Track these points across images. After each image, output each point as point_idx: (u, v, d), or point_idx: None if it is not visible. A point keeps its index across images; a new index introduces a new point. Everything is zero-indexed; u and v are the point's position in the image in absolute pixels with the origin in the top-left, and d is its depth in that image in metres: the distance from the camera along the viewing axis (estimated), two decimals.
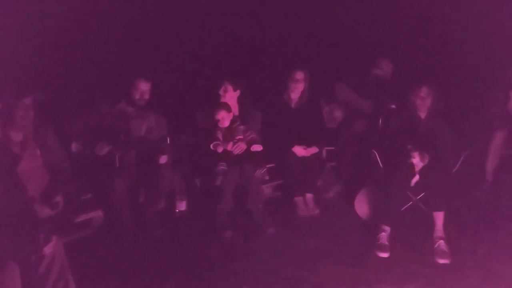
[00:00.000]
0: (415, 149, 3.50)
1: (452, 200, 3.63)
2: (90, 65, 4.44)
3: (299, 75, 4.18)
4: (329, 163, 4.54)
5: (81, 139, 3.53)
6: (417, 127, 3.73)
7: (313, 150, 4.12)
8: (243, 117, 4.04)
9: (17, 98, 2.72)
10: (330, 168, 4.52)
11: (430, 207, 3.54)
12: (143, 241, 3.43)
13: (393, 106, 4.28)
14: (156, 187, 3.53)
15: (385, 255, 3.29)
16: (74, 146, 3.55)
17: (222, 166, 3.73)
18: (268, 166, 4.08)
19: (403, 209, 3.64)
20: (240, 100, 4.08)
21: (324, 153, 4.45)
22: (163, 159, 3.58)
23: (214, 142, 3.79)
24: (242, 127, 3.92)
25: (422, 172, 3.52)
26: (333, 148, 4.56)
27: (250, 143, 3.87)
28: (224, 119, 3.84)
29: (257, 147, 3.87)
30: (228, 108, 3.87)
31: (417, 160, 3.49)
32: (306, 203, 4.10)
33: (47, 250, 2.35)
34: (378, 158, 3.82)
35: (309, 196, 4.12)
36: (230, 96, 4.00)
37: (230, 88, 3.99)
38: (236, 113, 4.03)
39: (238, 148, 3.82)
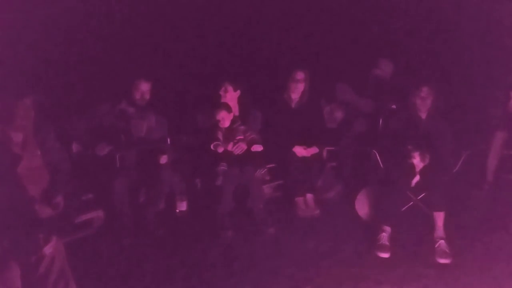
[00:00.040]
0: (416, 149, 3.49)
1: (453, 200, 3.62)
2: (90, 66, 4.45)
3: (300, 75, 4.18)
4: (330, 163, 4.53)
5: (81, 139, 3.55)
6: (417, 128, 3.73)
7: (314, 150, 4.11)
8: (244, 117, 4.04)
9: (17, 98, 2.72)
10: (331, 168, 4.51)
11: (431, 207, 3.54)
12: (144, 241, 3.43)
13: (394, 106, 4.28)
14: (157, 187, 3.54)
15: (385, 255, 3.29)
16: (75, 146, 3.56)
17: (223, 166, 3.73)
18: (268, 166, 4.08)
19: (403, 209, 3.64)
20: (240, 101, 4.08)
21: (324, 153, 4.44)
22: (163, 159, 3.58)
23: (215, 143, 3.79)
24: (242, 127, 3.92)
25: (422, 172, 3.51)
26: (333, 148, 4.55)
27: (250, 144, 3.87)
28: (225, 119, 3.84)
29: (257, 148, 3.87)
30: (228, 109, 3.87)
31: (417, 160, 3.49)
32: (306, 203, 4.10)
33: (47, 250, 2.36)
34: (379, 158, 3.81)
35: (309, 196, 4.11)
36: (231, 96, 4.01)
37: (230, 88, 3.99)
38: (237, 113, 4.03)
39: (239, 148, 3.82)
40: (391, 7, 5.38)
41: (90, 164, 3.50)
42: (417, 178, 3.53)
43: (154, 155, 3.57)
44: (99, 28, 4.57)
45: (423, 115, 3.73)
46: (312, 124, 4.27)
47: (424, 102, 3.67)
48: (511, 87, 4.21)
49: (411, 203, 3.69)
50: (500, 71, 4.40)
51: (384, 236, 3.40)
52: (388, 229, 3.45)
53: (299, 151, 4.07)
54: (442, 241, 3.34)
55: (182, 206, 3.81)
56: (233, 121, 3.90)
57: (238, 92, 4.04)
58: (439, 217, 3.46)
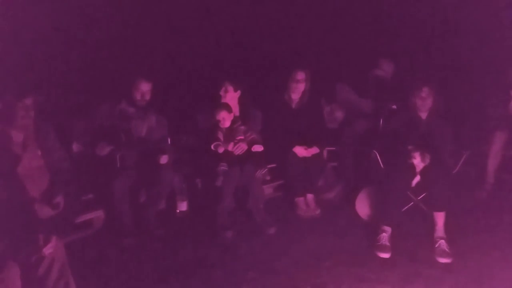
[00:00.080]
0: (416, 150, 3.49)
1: (453, 201, 3.62)
2: (91, 66, 4.46)
3: (300, 75, 4.18)
4: (330, 164, 4.54)
5: (82, 139, 3.54)
6: (418, 128, 3.73)
7: (314, 150, 4.11)
8: (244, 117, 4.03)
9: (18, 98, 2.72)
10: (331, 168, 4.52)
11: (431, 207, 3.54)
12: (144, 241, 3.43)
13: (394, 107, 4.28)
14: (157, 187, 3.53)
15: (386, 255, 3.28)
16: (75, 146, 3.55)
17: (223, 167, 3.73)
18: (269, 166, 4.08)
19: (404, 209, 3.64)
20: (240, 101, 4.08)
21: (325, 153, 4.45)
22: (163, 160, 3.57)
23: (215, 143, 3.79)
24: (243, 127, 3.92)
25: (423, 172, 3.51)
26: (334, 148, 4.56)
27: (251, 144, 3.87)
28: (225, 119, 3.84)
29: (258, 148, 3.87)
30: (228, 109, 3.87)
31: (418, 161, 3.48)
32: (307, 204, 4.10)
33: (47, 250, 2.35)
34: (379, 159, 3.81)
35: (310, 196, 4.12)
36: (231, 96, 4.01)
37: (230, 88, 3.99)
38: (237, 113, 4.03)
39: (239, 148, 3.82)
40: (391, 7, 5.39)
41: (91, 164, 3.50)
42: (417, 178, 3.53)
43: (155, 155, 3.57)
44: (100, 28, 4.57)
45: (424, 115, 3.73)
46: (312, 124, 4.28)
47: (424, 102, 3.67)
48: (511, 87, 4.22)
49: (412, 203, 3.69)
50: (500, 71, 4.40)
51: (385, 237, 3.40)
52: (388, 229, 3.45)
53: (300, 151, 4.07)
54: (442, 241, 3.34)
55: (183, 206, 3.80)
56: (233, 121, 3.90)
57: (239, 92, 4.04)
58: (440, 217, 3.46)
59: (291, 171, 4.07)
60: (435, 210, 3.48)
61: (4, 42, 3.67)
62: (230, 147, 3.81)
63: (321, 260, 3.22)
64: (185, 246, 3.43)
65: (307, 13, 5.58)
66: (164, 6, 5.00)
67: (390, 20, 5.44)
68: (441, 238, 3.37)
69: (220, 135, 3.84)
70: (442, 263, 3.20)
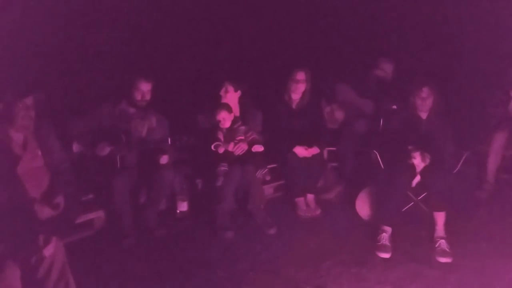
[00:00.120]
0: (416, 150, 3.50)
1: (453, 201, 3.62)
2: (91, 66, 4.45)
3: (300, 75, 4.18)
4: (330, 164, 4.54)
5: (82, 139, 3.53)
6: (418, 128, 3.73)
7: (314, 150, 4.11)
8: (244, 117, 4.04)
9: (18, 98, 2.71)
10: (331, 168, 4.52)
11: (431, 207, 3.54)
12: (145, 242, 3.43)
13: (394, 107, 4.27)
14: (157, 187, 3.53)
15: (386, 255, 3.29)
16: (75, 147, 3.55)
17: (223, 167, 3.73)
18: (269, 166, 4.08)
19: (404, 209, 3.64)
20: (241, 101, 4.09)
21: (325, 153, 4.45)
22: (164, 160, 3.58)
23: (215, 143, 3.80)
24: (243, 127, 3.92)
25: (423, 172, 3.52)
26: (334, 148, 4.56)
27: (251, 144, 3.87)
28: (225, 119, 3.84)
29: (258, 148, 3.87)
30: (229, 109, 3.87)
31: (418, 161, 3.49)
32: (307, 204, 4.10)
33: (47, 251, 2.35)
34: (379, 159, 3.81)
35: (310, 196, 4.12)
36: (231, 96, 4.01)
37: (231, 88, 3.99)
38: (237, 113, 4.03)
39: (239, 148, 3.82)
40: (392, 8, 5.38)
41: (91, 164, 3.50)
42: (417, 178, 3.54)
43: (155, 156, 3.57)
44: (100, 28, 4.57)
45: (424, 115, 3.74)
46: (313, 124, 4.28)
47: (424, 102, 3.68)
48: (511, 87, 4.22)
49: (412, 203, 3.69)
50: (500, 71, 4.40)
51: (385, 237, 3.40)
52: (388, 229, 3.45)
53: (300, 151, 4.07)
54: (442, 241, 3.34)
55: (183, 207, 3.81)
56: (233, 122, 3.90)
57: (239, 92, 4.05)
58: (440, 217, 3.46)
59: (291, 172, 4.07)
60: (435, 210, 3.49)
61: (4, 42, 3.66)
62: (231, 147, 3.81)
63: (321, 260, 3.23)
64: (186, 247, 3.43)
65: (307, 13, 5.58)
66: (164, 6, 4.99)
67: (390, 20, 5.44)
68: (441, 238, 3.37)
69: (221, 135, 3.84)
70: (442, 263, 3.21)
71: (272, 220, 3.75)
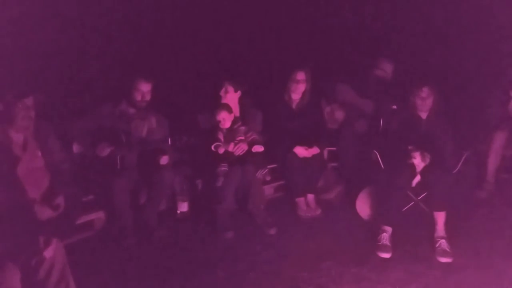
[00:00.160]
0: (416, 150, 3.50)
1: (453, 200, 3.63)
2: (91, 66, 4.45)
3: (300, 75, 4.18)
4: (331, 164, 4.53)
5: (82, 140, 3.53)
6: (418, 128, 3.73)
7: (315, 150, 4.11)
8: (244, 118, 4.04)
9: (18, 98, 2.71)
10: (332, 168, 4.51)
11: (432, 207, 3.54)
12: (145, 242, 3.43)
13: (394, 107, 4.27)
14: (158, 188, 3.53)
15: (386, 255, 3.29)
16: (76, 147, 3.55)
17: (223, 167, 3.73)
18: (269, 167, 4.08)
19: (404, 209, 3.64)
20: (241, 101, 4.09)
21: (325, 153, 4.44)
22: (164, 160, 3.57)
23: (215, 143, 3.79)
24: (243, 128, 3.92)
25: (423, 172, 3.52)
26: (334, 148, 4.55)
27: (251, 144, 3.87)
28: (225, 120, 3.84)
29: (258, 148, 3.87)
30: (229, 109, 3.87)
31: (418, 161, 3.49)
32: (307, 204, 4.10)
33: (47, 254, 2.35)
34: (379, 159, 3.81)
35: (310, 196, 4.12)
36: (231, 97, 4.01)
37: (231, 89, 3.99)
38: (237, 114, 4.03)
39: (239, 149, 3.82)
40: (391, 8, 5.39)
41: (91, 165, 3.50)
42: (417, 178, 3.54)
43: (155, 156, 3.57)
44: (100, 29, 4.57)
45: (424, 115, 3.74)
46: (313, 124, 4.28)
47: (424, 102, 3.68)
48: (511, 87, 4.22)
49: (412, 203, 3.69)
50: (500, 70, 4.40)
51: (385, 237, 3.40)
52: (389, 229, 3.45)
53: (300, 151, 4.07)
54: (443, 241, 3.34)
55: (183, 207, 3.80)
56: (234, 122, 3.90)
57: (239, 92, 4.05)
58: (440, 217, 3.46)
59: (291, 172, 4.06)
60: (436, 210, 3.49)
61: (5, 43, 3.66)
62: (231, 147, 3.80)
63: (322, 260, 3.22)
64: (186, 247, 3.43)
65: (307, 13, 5.58)
66: (164, 6, 5.00)
67: (390, 20, 5.44)
68: (442, 238, 3.37)
69: (221, 136, 3.84)
70: (442, 263, 3.21)
71: (272, 220, 3.75)
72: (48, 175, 2.82)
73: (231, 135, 3.86)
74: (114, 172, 3.47)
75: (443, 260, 3.22)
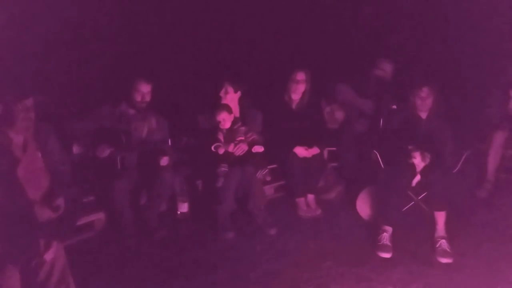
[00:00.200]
0: (416, 149, 3.50)
1: (454, 200, 3.63)
2: (91, 67, 4.45)
3: (300, 76, 4.18)
4: (331, 164, 4.54)
5: (82, 141, 3.54)
6: (418, 127, 3.73)
7: (315, 150, 4.11)
8: (244, 118, 4.04)
9: (18, 99, 2.71)
10: (332, 168, 4.52)
11: (432, 207, 3.54)
12: (145, 243, 3.43)
13: (394, 107, 4.27)
14: (158, 189, 3.53)
15: (387, 255, 3.29)
16: (76, 148, 3.55)
17: (224, 168, 3.73)
18: (269, 167, 4.09)
19: (404, 209, 3.64)
20: (241, 102, 4.09)
21: (325, 153, 4.45)
22: (164, 161, 3.58)
23: (215, 144, 3.79)
24: (243, 128, 3.92)
25: (423, 172, 3.52)
26: (334, 148, 4.56)
27: (251, 144, 3.87)
28: (225, 120, 3.84)
29: (258, 148, 3.87)
30: (229, 110, 3.87)
31: (418, 160, 3.49)
32: (307, 204, 4.10)
33: (48, 256, 2.35)
34: (379, 159, 3.81)
35: (310, 197, 4.12)
36: (231, 97, 4.01)
37: (231, 89, 3.99)
38: (237, 114, 4.03)
39: (240, 149, 3.82)
40: (391, 8, 5.39)
41: (91, 166, 3.50)
42: (417, 178, 3.54)
43: (155, 157, 3.57)
44: (100, 30, 4.57)
45: (424, 115, 3.74)
46: (313, 124, 4.28)
47: (424, 102, 3.68)
48: (511, 86, 4.22)
49: (412, 203, 3.69)
50: (500, 71, 4.40)
51: (385, 236, 3.40)
52: (389, 229, 3.45)
53: (300, 151, 4.07)
54: (443, 241, 3.34)
55: (184, 208, 3.80)
56: (233, 122, 3.90)
57: (239, 93, 4.05)
58: (440, 217, 3.46)
59: (291, 172, 4.07)
60: (436, 209, 3.49)
61: (4, 43, 3.66)
62: (231, 148, 3.80)
63: (322, 260, 3.22)
64: (186, 248, 3.43)
65: (307, 13, 5.58)
66: (164, 6, 5.00)
67: (390, 20, 5.44)
68: (442, 238, 3.37)
69: (221, 136, 3.84)
70: (443, 263, 3.20)
71: (273, 220, 3.75)
72: (48, 176, 2.82)
73: (231, 135, 3.86)
74: (114, 173, 3.47)
75: (444, 260, 3.22)
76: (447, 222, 3.46)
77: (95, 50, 4.55)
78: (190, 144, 4.14)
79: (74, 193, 3.04)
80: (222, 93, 3.99)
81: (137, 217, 3.50)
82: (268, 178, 4.14)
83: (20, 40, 3.93)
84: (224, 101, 3.97)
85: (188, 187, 3.85)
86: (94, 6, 4.52)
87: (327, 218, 3.99)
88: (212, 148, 3.78)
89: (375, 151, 3.86)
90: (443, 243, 3.32)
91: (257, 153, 3.87)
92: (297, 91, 4.23)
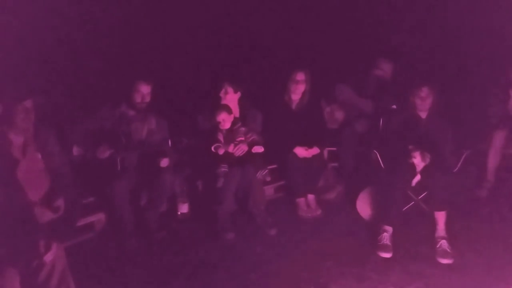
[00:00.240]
0: (416, 149, 3.50)
1: (454, 200, 3.62)
2: (91, 68, 4.45)
3: (300, 76, 4.18)
4: (331, 164, 4.54)
5: (82, 142, 3.54)
6: (418, 127, 3.74)
7: (315, 151, 4.11)
8: (244, 118, 4.04)
9: (18, 101, 2.71)
10: (332, 168, 4.52)
11: (432, 207, 3.54)
12: (145, 244, 3.43)
13: (394, 107, 4.28)
14: (158, 189, 3.53)
15: (387, 255, 3.28)
16: (76, 150, 3.55)
17: (224, 168, 3.73)
18: (269, 167, 4.08)
19: (405, 209, 3.64)
20: (240, 102, 4.09)
21: (325, 154, 4.45)
22: (164, 162, 3.58)
23: (215, 144, 3.80)
24: (243, 128, 3.93)
25: (423, 172, 3.52)
26: (334, 148, 4.56)
27: (251, 145, 3.87)
28: (225, 121, 3.84)
29: (258, 149, 3.87)
30: (229, 110, 3.87)
31: (418, 160, 3.49)
32: (308, 204, 4.10)
33: (47, 258, 2.35)
34: (380, 159, 3.81)
35: (310, 197, 4.12)
36: (231, 98, 4.01)
37: (230, 90, 4.00)
38: (237, 115, 4.04)
39: (239, 149, 3.82)
40: (391, 8, 5.38)
41: (91, 167, 3.50)
42: (418, 177, 3.54)
43: (155, 158, 3.57)
44: (99, 31, 4.57)
45: (423, 115, 3.74)
46: (313, 124, 4.28)
47: (424, 102, 3.68)
48: (511, 86, 4.21)
49: (412, 203, 3.69)
50: (500, 70, 4.39)
51: (386, 236, 3.40)
52: (389, 229, 3.45)
53: (300, 152, 4.07)
54: (443, 241, 3.34)
55: (184, 208, 3.80)
56: (233, 123, 3.90)
57: (239, 93, 4.05)
58: (440, 217, 3.46)
59: (291, 172, 4.07)
60: (436, 209, 3.48)
61: (4, 44, 3.66)
62: (231, 148, 3.80)
63: (322, 260, 3.23)
64: (187, 248, 3.43)
65: (307, 13, 5.57)
66: (164, 7, 5.00)
67: (390, 20, 5.43)
68: (443, 238, 3.36)
69: (221, 137, 3.85)
70: (443, 263, 3.20)
71: (273, 220, 3.75)
72: (48, 177, 2.82)
73: (231, 136, 3.86)
74: (114, 174, 3.47)
75: (444, 261, 3.21)
76: (447, 222, 3.46)
77: (95, 50, 4.55)
78: (190, 144, 4.14)
79: (74, 194, 3.04)
80: (222, 94, 3.99)
81: (137, 218, 3.50)
82: (268, 179, 4.14)
83: (19, 42, 3.93)
84: (224, 102, 3.97)
85: (188, 187, 3.86)
86: (94, 7, 4.52)
87: (327, 218, 3.99)
88: (212, 148, 3.79)
89: (375, 151, 3.87)
90: (444, 244, 3.31)
91: (257, 154, 3.88)
92: (297, 92, 4.23)
